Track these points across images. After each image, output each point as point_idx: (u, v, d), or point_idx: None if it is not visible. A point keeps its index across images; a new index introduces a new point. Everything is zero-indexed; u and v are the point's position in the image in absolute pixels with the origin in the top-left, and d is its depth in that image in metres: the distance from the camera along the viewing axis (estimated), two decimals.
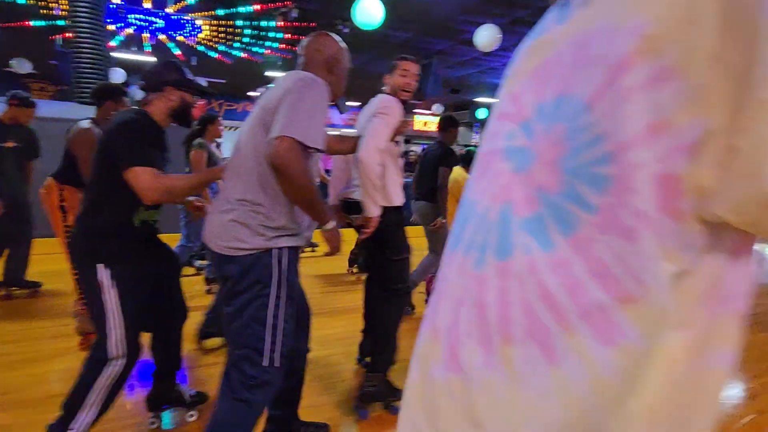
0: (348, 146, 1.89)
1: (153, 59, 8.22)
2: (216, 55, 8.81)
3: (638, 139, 0.43)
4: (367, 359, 2.21)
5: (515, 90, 0.59)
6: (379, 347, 2.05)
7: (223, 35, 7.77)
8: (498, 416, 0.52)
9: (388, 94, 1.99)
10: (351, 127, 12.45)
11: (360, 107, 4.76)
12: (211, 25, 7.39)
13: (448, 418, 0.56)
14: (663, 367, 0.42)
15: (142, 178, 1.42)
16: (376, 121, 1.82)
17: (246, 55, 8.70)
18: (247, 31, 7.53)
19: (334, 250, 1.48)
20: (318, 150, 1.33)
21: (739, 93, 0.38)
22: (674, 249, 0.42)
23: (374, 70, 8.34)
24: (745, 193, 0.38)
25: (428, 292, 3.42)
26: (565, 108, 0.50)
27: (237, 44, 8.20)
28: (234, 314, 1.37)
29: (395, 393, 2.03)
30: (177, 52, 8.69)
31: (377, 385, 2.00)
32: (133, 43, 8.16)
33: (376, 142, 1.79)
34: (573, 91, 0.49)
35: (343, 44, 1.56)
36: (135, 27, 7.33)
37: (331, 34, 1.56)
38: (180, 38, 7.93)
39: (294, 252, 1.43)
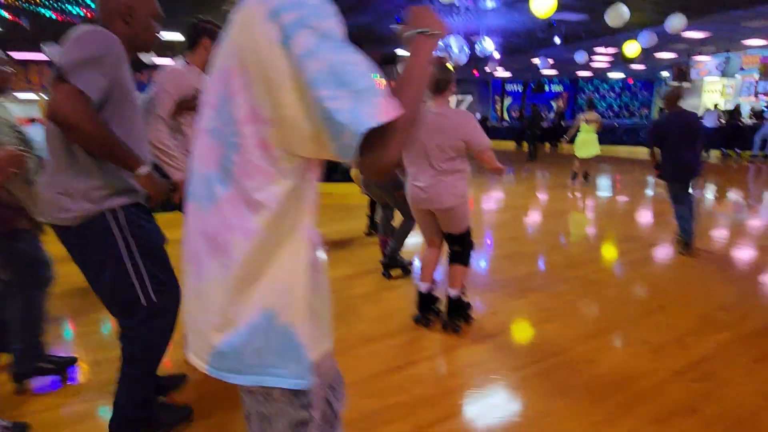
0: None
1: None
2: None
3: (244, 120, 0.72)
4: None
5: (209, 85, 0.81)
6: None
7: None
8: (198, 298, 0.82)
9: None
10: None
11: None
12: None
13: (189, 302, 0.85)
14: (275, 246, 0.77)
15: None
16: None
17: (60, 16, 8.32)
18: None
19: (154, 196, 1.46)
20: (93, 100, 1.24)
21: (278, 93, 0.70)
22: (279, 177, 0.75)
23: None
24: (296, 138, 0.72)
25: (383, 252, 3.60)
26: (222, 102, 0.75)
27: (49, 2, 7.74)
28: (95, 282, 1.44)
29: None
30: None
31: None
32: None
33: (158, 111, 1.96)
34: (222, 90, 0.75)
35: None
36: None
37: None
38: None
39: (134, 209, 1.41)
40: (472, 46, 10.23)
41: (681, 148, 3.85)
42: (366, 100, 0.64)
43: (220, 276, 0.75)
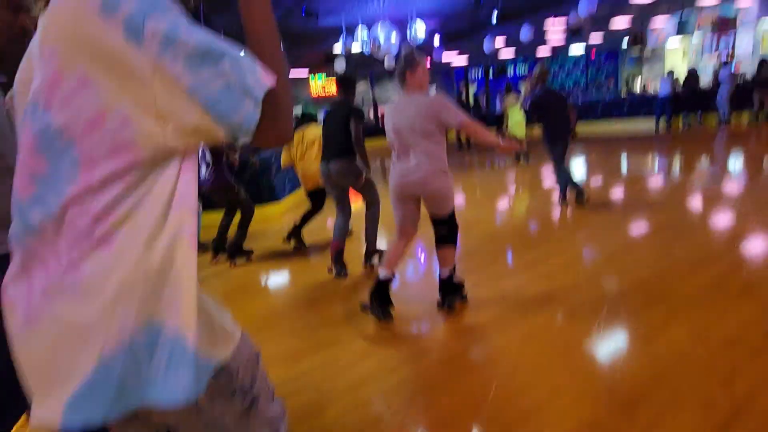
0: None
1: None
2: None
3: (89, 125, 0.62)
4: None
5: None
6: None
7: None
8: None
9: None
10: None
11: None
12: None
13: None
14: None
15: None
16: None
17: None
18: None
19: None
20: None
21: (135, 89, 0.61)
22: (151, 164, 0.65)
23: None
24: (174, 129, 0.63)
25: (334, 259, 3.56)
26: (34, 110, 0.66)
27: None
28: None
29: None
30: None
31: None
32: None
33: None
34: (34, 98, 0.65)
35: None
36: None
37: None
38: None
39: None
40: (404, 33, 9.48)
41: (557, 118, 4.63)
42: (248, 69, 0.63)
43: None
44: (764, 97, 9.34)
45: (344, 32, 9.35)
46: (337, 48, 9.67)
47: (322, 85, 20.77)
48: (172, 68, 0.59)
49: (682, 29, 15.85)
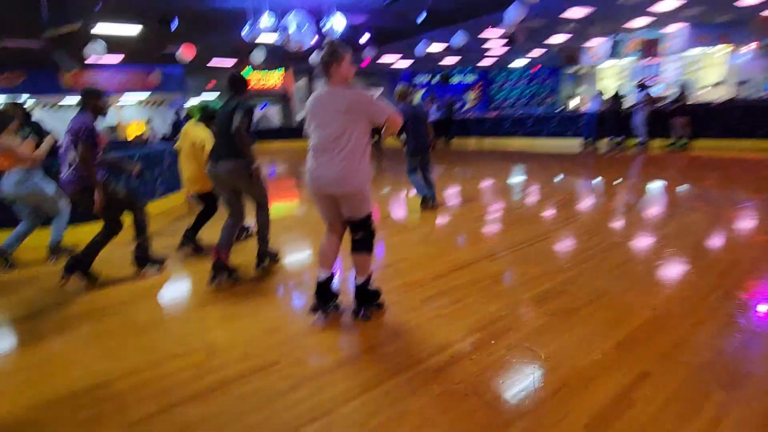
0: None
1: None
2: None
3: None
4: None
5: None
6: None
7: None
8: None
9: None
10: None
11: None
12: None
13: None
14: None
15: None
16: None
17: None
18: None
19: None
20: None
21: None
22: None
23: None
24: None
25: (219, 265, 3.26)
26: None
27: None
28: None
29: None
30: None
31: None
32: None
33: None
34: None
35: None
36: None
37: None
38: None
39: None
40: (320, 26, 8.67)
41: (417, 132, 5.20)
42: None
43: None
44: (678, 124, 9.34)
45: (253, 17, 8.41)
46: (245, 34, 8.67)
47: (258, 78, 19.51)
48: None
49: (615, 51, 16.12)
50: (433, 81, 23.86)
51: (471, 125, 14.65)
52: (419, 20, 8.95)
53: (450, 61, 19.34)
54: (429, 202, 5.21)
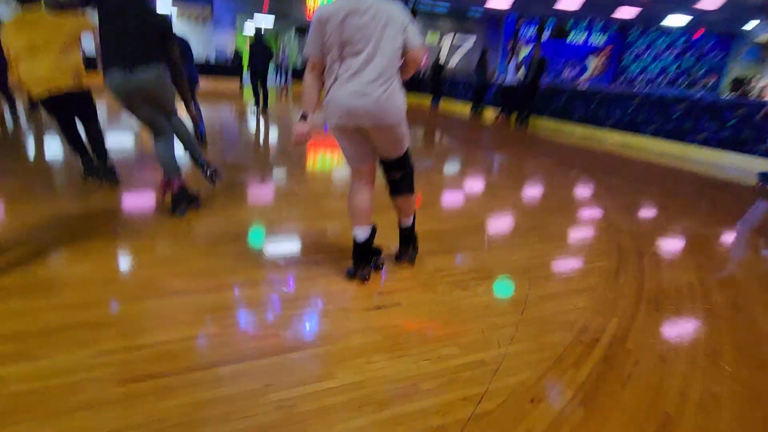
0: None
1: None
2: None
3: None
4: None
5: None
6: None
7: None
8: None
9: None
10: None
11: None
12: None
13: None
14: None
15: None
16: None
17: None
18: None
19: None
20: None
21: None
22: None
23: None
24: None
25: (173, 198, 3.09)
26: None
27: None
28: None
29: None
30: None
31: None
32: None
33: None
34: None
35: None
36: None
37: None
38: None
39: None
40: None
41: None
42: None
43: None
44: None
45: None
46: None
47: None
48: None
49: None
50: (543, 36, 17.92)
51: (575, 101, 9.40)
52: None
53: (570, 4, 13.66)
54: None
